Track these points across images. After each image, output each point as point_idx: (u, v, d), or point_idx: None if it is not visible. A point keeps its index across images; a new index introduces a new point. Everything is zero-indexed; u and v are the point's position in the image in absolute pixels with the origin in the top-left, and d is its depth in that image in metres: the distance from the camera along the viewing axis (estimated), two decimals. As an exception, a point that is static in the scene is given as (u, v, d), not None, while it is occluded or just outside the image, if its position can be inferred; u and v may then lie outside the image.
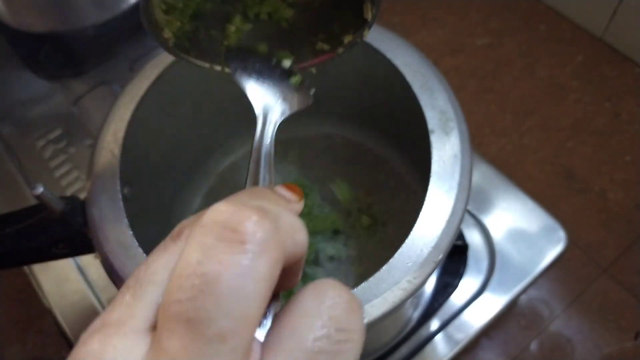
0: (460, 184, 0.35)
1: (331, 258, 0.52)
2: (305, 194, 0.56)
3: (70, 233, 0.38)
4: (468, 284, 0.52)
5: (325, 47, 0.35)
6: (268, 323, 0.14)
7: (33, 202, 0.35)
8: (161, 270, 0.15)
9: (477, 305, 0.51)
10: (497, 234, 0.54)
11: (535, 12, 0.95)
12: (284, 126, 0.59)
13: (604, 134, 0.82)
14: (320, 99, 0.56)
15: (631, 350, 0.68)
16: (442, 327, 0.50)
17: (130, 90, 0.43)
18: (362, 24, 0.31)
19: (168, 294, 0.13)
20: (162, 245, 0.16)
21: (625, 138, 0.81)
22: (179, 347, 0.12)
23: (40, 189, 0.34)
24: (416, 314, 0.48)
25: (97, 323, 0.15)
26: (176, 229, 0.16)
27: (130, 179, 0.44)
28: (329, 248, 0.52)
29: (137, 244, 0.35)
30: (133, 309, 0.14)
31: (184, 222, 0.16)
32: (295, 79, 0.34)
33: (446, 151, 0.37)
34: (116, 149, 0.40)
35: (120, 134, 0.40)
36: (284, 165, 0.57)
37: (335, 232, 0.53)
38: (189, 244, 0.13)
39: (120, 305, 0.15)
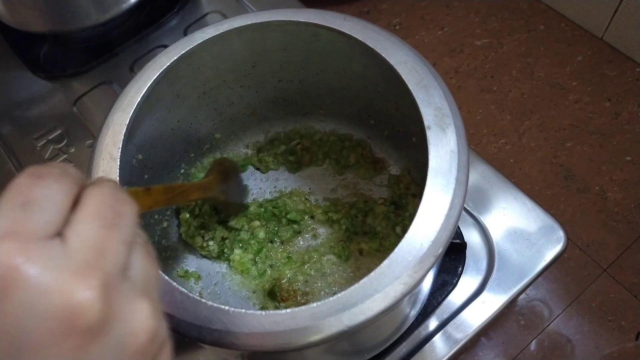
0: (457, 179, 0.35)
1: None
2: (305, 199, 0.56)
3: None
4: (467, 283, 0.52)
5: None
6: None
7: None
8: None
9: (476, 305, 0.51)
10: (496, 234, 0.54)
11: (535, 12, 0.95)
12: (282, 125, 0.59)
13: (604, 134, 0.82)
14: (318, 99, 0.56)
15: (631, 351, 0.67)
16: (441, 327, 0.51)
17: (129, 92, 0.43)
18: None
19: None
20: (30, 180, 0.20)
21: (625, 138, 0.81)
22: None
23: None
24: (414, 312, 0.48)
25: None
26: (33, 171, 0.20)
27: (129, 181, 0.44)
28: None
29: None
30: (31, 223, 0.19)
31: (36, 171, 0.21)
32: None
33: (443, 147, 0.37)
34: (115, 152, 0.40)
35: (119, 137, 0.40)
36: (282, 165, 0.57)
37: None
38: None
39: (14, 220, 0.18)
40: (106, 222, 0.20)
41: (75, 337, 0.17)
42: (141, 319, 0.20)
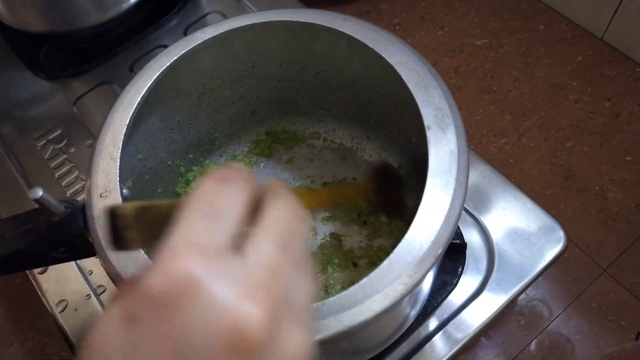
0: (457, 180, 0.35)
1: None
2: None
3: (70, 237, 0.38)
4: (467, 283, 0.52)
5: None
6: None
7: (33, 202, 0.35)
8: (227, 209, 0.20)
9: (477, 305, 0.51)
10: (496, 234, 0.54)
11: (535, 12, 0.95)
12: (282, 126, 0.59)
13: (603, 134, 0.82)
14: (318, 99, 0.56)
15: (631, 351, 0.67)
16: (441, 327, 0.51)
17: (129, 92, 0.43)
18: None
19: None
20: (213, 187, 0.21)
21: (625, 138, 0.81)
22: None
23: (39, 193, 0.33)
24: (414, 312, 0.48)
25: (176, 244, 0.18)
26: (219, 175, 0.21)
27: (130, 181, 0.44)
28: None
29: (136, 244, 0.35)
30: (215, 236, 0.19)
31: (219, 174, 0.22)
32: None
33: (443, 147, 0.37)
34: (115, 152, 0.40)
35: (119, 137, 0.40)
36: (281, 165, 0.57)
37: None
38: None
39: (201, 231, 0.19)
40: (284, 242, 0.21)
41: (237, 355, 0.17)
42: (297, 347, 0.19)
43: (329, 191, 0.38)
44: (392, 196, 0.49)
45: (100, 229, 0.36)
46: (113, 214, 0.23)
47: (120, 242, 0.23)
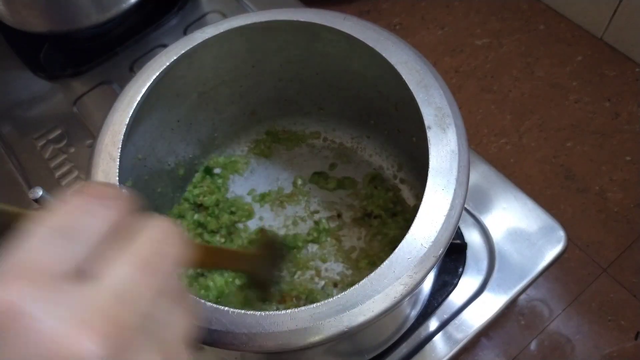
0: (458, 179, 0.35)
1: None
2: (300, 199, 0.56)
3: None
4: (467, 283, 0.52)
5: None
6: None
7: (33, 202, 0.35)
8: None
9: (477, 305, 0.51)
10: (496, 234, 0.54)
11: (535, 12, 0.95)
12: (282, 126, 0.59)
13: (603, 134, 0.82)
14: (318, 99, 0.56)
15: (631, 351, 0.67)
16: (441, 327, 0.50)
17: (129, 92, 0.43)
18: None
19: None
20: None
21: (625, 138, 0.81)
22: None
23: (39, 193, 0.33)
24: (414, 313, 0.48)
25: (6, 269, 0.17)
26: (93, 191, 0.20)
27: (129, 182, 0.44)
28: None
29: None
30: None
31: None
32: None
33: (443, 147, 0.37)
34: (115, 152, 0.40)
35: (119, 137, 0.40)
36: (280, 165, 0.57)
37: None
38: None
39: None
40: (145, 265, 0.19)
41: None
42: None
43: (215, 250, 0.37)
44: (269, 271, 0.48)
45: None
46: None
47: None
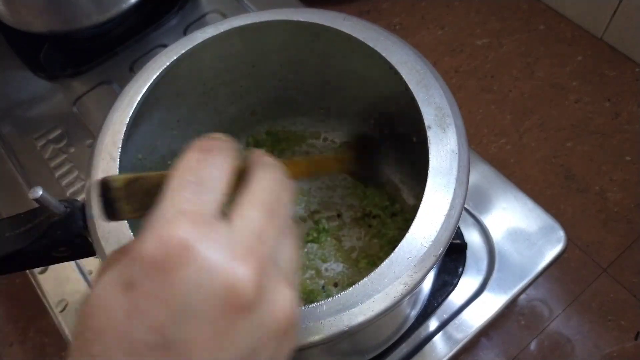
0: (458, 179, 0.35)
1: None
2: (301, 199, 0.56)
3: (70, 236, 0.37)
4: (467, 283, 0.52)
5: None
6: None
7: (33, 202, 0.35)
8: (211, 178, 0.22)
9: (477, 305, 0.51)
10: (496, 234, 0.54)
11: (535, 12, 0.95)
12: (282, 126, 0.59)
13: (603, 134, 0.82)
14: (318, 99, 0.56)
15: (631, 351, 0.67)
16: (441, 327, 0.51)
17: (129, 92, 0.43)
18: None
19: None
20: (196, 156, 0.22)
21: (625, 138, 0.81)
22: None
23: (39, 192, 0.33)
24: (414, 313, 0.49)
25: (167, 212, 0.20)
26: (201, 146, 0.23)
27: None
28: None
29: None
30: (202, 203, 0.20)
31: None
32: None
33: (443, 146, 0.37)
34: (115, 152, 0.40)
35: (119, 137, 0.40)
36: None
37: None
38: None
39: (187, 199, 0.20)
40: (269, 209, 0.22)
41: (230, 312, 0.19)
42: (284, 305, 0.21)
43: (308, 161, 0.39)
44: (367, 165, 0.50)
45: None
46: (104, 186, 0.24)
47: (111, 213, 0.24)
